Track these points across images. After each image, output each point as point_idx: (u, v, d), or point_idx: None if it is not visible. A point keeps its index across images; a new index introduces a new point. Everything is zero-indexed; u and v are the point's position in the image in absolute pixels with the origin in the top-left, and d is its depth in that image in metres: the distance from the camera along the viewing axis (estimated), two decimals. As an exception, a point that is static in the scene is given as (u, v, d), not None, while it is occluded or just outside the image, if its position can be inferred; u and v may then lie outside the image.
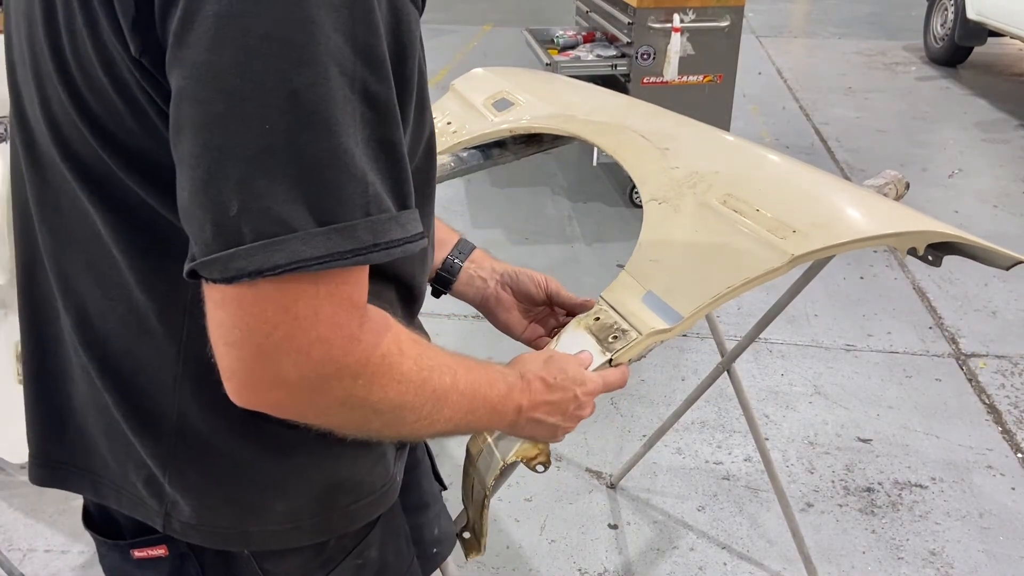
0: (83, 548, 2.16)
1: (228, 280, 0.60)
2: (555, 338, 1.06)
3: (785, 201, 1.15)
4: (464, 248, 1.12)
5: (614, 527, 2.30)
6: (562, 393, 0.90)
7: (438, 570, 1.19)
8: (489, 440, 0.98)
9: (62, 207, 0.75)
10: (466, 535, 1.05)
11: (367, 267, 0.65)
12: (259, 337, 0.61)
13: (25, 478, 0.94)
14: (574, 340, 1.03)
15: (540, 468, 0.99)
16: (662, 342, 1.03)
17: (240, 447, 0.77)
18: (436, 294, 1.11)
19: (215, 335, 0.63)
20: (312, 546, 0.83)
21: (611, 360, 0.98)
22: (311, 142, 0.59)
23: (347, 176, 0.60)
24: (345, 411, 0.68)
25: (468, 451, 1.01)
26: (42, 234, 0.78)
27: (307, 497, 0.80)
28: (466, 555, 1.05)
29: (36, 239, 0.80)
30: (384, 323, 0.68)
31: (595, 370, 0.97)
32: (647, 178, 1.27)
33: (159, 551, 0.82)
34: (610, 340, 1.02)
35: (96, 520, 0.89)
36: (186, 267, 0.62)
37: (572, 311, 1.11)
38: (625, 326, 1.03)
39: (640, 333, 1.01)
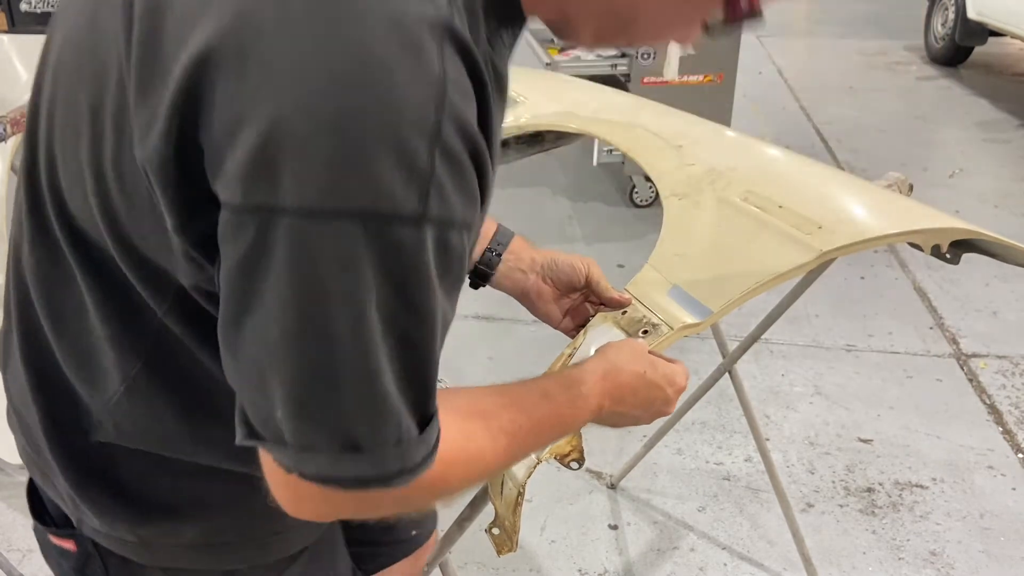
0: (82, 548, 2.16)
1: (277, 462, 0.62)
2: (582, 332, 1.05)
3: (806, 198, 1.15)
4: (503, 239, 1.09)
5: (614, 527, 2.30)
6: (654, 391, 0.88)
7: (438, 568, 1.19)
8: None
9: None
10: (495, 531, 1.03)
11: None
12: (306, 505, 0.65)
13: (25, 478, 0.94)
14: (603, 335, 1.02)
15: (574, 465, 0.97)
16: (686, 336, 1.02)
17: (152, 474, 0.76)
18: (475, 286, 1.09)
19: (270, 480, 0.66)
20: (222, 572, 0.82)
21: None
22: (353, 382, 0.59)
23: (383, 418, 0.61)
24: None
25: None
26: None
27: (219, 522, 0.79)
28: (498, 552, 1.03)
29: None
30: (429, 478, 0.66)
31: None
32: (664, 174, 1.27)
33: (69, 544, 0.83)
34: (640, 335, 1.01)
35: (32, 498, 0.90)
36: (241, 432, 0.63)
37: (605, 304, 1.08)
38: (656, 320, 1.02)
39: (671, 327, 1.00)
